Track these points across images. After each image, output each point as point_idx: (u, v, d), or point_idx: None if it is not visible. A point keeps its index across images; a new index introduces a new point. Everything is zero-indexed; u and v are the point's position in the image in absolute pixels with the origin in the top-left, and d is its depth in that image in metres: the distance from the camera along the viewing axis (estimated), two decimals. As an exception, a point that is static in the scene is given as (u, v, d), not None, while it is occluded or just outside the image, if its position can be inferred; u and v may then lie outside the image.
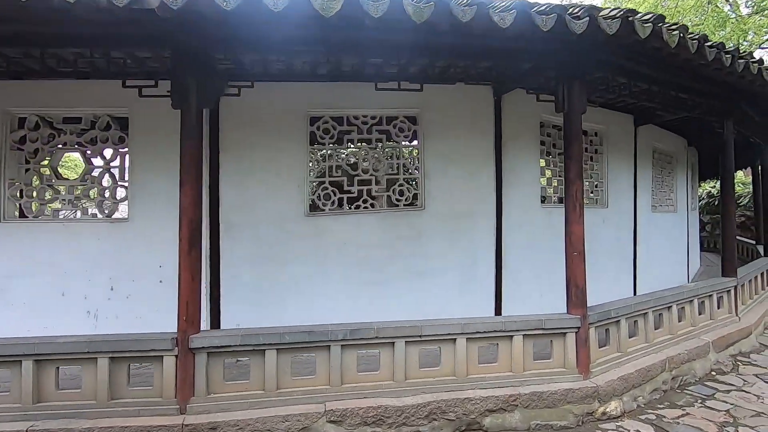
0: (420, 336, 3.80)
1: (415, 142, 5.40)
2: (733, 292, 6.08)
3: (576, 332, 4.10)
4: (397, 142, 5.37)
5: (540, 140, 6.10)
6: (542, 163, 6.23)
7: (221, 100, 4.89)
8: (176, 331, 3.46)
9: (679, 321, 5.26)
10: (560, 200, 6.19)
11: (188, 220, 3.49)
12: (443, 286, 5.37)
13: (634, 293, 7.28)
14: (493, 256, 5.53)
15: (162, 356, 3.46)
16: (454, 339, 3.87)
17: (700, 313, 5.63)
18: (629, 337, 4.63)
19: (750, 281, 6.87)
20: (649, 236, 7.75)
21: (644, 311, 4.74)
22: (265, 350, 3.57)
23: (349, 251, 5.14)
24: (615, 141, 7.02)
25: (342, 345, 3.67)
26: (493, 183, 5.56)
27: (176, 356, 3.45)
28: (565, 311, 4.19)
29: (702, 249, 15.37)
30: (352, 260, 5.14)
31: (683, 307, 5.33)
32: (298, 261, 5.04)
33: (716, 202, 18.39)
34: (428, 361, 3.90)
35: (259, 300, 4.93)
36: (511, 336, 3.98)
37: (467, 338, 3.89)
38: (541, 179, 6.16)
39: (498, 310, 5.55)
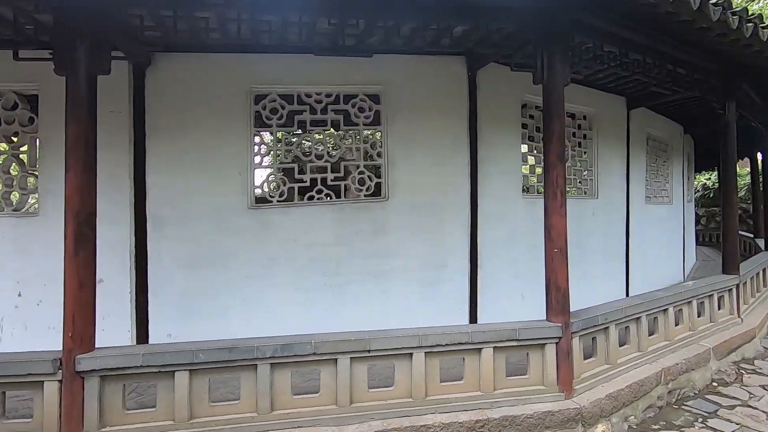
0: (368, 351, 3.15)
1: (378, 125, 4.73)
2: (735, 290, 5.49)
3: (557, 343, 3.47)
4: (356, 124, 4.70)
5: (521, 123, 5.45)
6: (524, 148, 5.59)
7: (147, 76, 4.20)
8: (61, 350, 2.79)
9: (677, 325, 4.66)
10: (544, 190, 5.54)
11: (74, 213, 2.81)
12: (409, 289, 4.73)
13: (627, 292, 6.69)
14: (467, 253, 4.89)
15: (42, 381, 2.79)
16: (410, 353, 3.23)
17: (699, 315, 5.03)
18: (620, 346, 4.02)
19: (752, 278, 6.28)
20: (642, 229, 7.14)
21: (637, 315, 4.13)
22: (174, 372, 2.91)
23: (300, 250, 4.48)
24: (606, 125, 6.39)
25: (272, 363, 3.01)
26: (467, 171, 4.91)
27: (60, 381, 2.79)
28: (545, 318, 3.56)
29: (697, 243, 14.89)
30: (304, 260, 4.48)
31: (681, 309, 4.73)
32: (241, 262, 4.37)
33: (711, 194, 17.90)
34: (380, 380, 3.26)
35: (197, 309, 4.27)
36: (480, 349, 3.34)
37: (426, 352, 3.25)
38: (523, 167, 5.52)
39: (473, 317, 4.92)
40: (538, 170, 5.76)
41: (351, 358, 3.12)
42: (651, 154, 7.69)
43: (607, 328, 3.86)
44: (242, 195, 4.38)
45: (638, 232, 7.00)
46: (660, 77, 4.81)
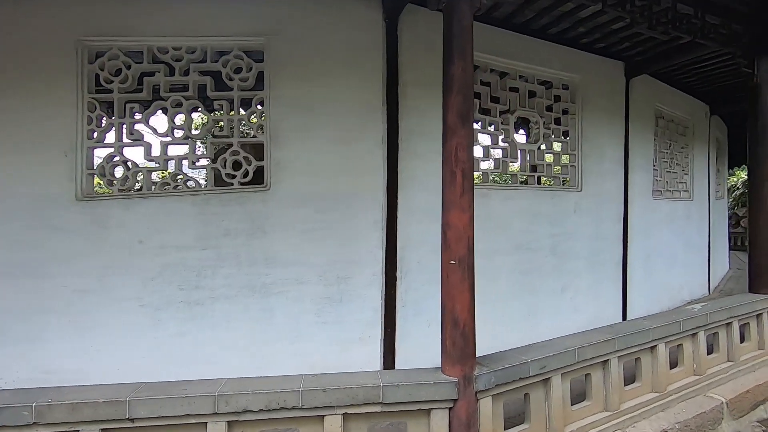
0: (131, 420, 2.00)
1: (260, 90, 3.56)
2: (765, 316, 3.99)
3: (450, 408, 2.20)
4: (230, 89, 3.55)
5: (469, 90, 4.14)
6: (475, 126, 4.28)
7: (-58, 24, 3.19)
8: None
9: (673, 368, 3.27)
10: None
11: None
12: (301, 308, 3.53)
13: (624, 313, 5.24)
14: (381, 261, 3.65)
15: None
16: (205, 424, 2.05)
17: (710, 353, 3.60)
18: (572, 405, 2.69)
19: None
20: (648, 231, 5.66)
21: (602, 358, 2.78)
22: None
23: (148, 255, 3.36)
24: (595, 98, 4.98)
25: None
26: (383, 150, 3.66)
27: None
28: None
29: (734, 248, 12.90)
30: (154, 269, 3.37)
31: (680, 345, 3.33)
32: (69, 270, 3.30)
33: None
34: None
35: (10, 332, 3.23)
36: (321, 417, 2.12)
37: (229, 422, 2.07)
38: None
39: (389, 347, 3.67)
40: (494, 153, 4.44)
41: (97, 432, 1.98)
42: (662, 137, 6.16)
43: (548, 380, 2.54)
44: (69, 182, 3.31)
45: (641, 234, 5.52)
46: (659, 20, 3.43)
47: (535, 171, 4.76)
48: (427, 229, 3.83)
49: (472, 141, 2.34)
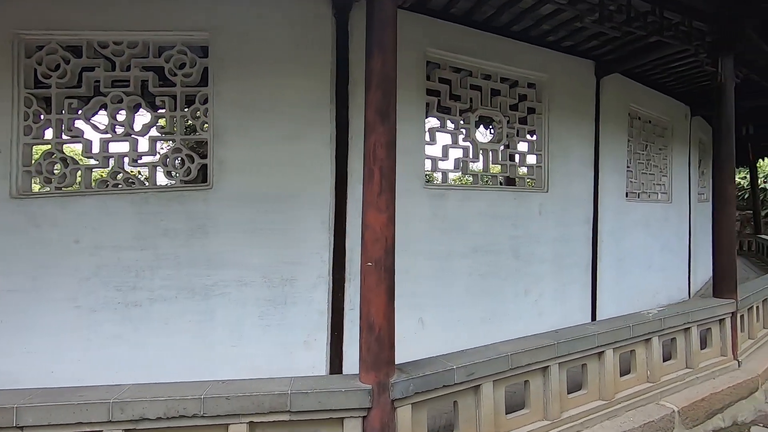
0: None
1: (204, 86, 3.46)
2: (729, 322, 3.88)
3: (364, 417, 2.10)
4: (173, 84, 3.46)
5: (426, 89, 4.05)
6: (432, 122, 4.20)
7: None
8: None
9: (624, 375, 3.15)
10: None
11: None
12: (243, 311, 3.43)
13: (593, 316, 5.12)
14: (328, 262, 3.54)
15: None
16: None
17: (668, 359, 3.49)
18: (508, 414, 2.58)
19: (762, 303, 4.60)
20: (620, 233, 5.55)
21: (539, 365, 2.67)
22: None
23: (84, 255, 3.26)
24: (563, 97, 4.87)
25: None
26: (331, 149, 3.56)
27: None
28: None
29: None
30: (90, 269, 3.27)
31: (633, 351, 3.22)
32: (1, 270, 3.20)
33: (746, 195, 15.54)
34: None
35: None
36: (226, 426, 2.02)
37: (125, 430, 1.96)
38: (430, 147, 4.11)
39: (336, 352, 3.56)
40: (454, 153, 4.34)
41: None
42: (638, 138, 6.05)
43: (478, 387, 2.43)
44: (3, 180, 3.22)
45: (613, 237, 5.40)
46: (605, 14, 3.33)
47: (500, 172, 4.65)
48: (379, 229, 3.73)
49: (392, 139, 2.24)
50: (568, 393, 2.85)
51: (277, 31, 3.52)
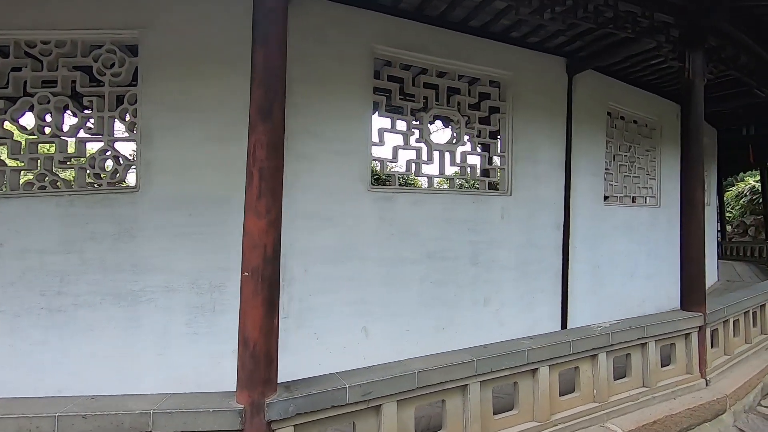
0: None
1: (134, 85, 3.37)
2: (696, 337, 3.58)
3: (235, 441, 1.94)
4: (101, 84, 3.37)
5: (373, 86, 3.88)
6: (382, 122, 4.03)
7: None
8: None
9: (566, 394, 2.91)
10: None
11: None
12: (171, 318, 3.31)
13: (564, 327, 4.86)
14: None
15: None
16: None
17: (622, 376, 3.23)
18: (416, 436, 2.38)
19: (744, 316, 4.27)
20: (597, 239, 5.26)
21: (455, 383, 2.47)
22: None
23: (8, 258, 3.19)
24: (530, 95, 4.64)
25: None
26: (264, 150, 3.41)
27: None
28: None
29: (736, 258, 12.17)
30: (14, 273, 3.20)
31: (576, 368, 2.98)
32: None
33: (761, 199, 14.82)
34: None
35: None
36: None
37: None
38: (377, 148, 3.94)
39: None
40: (408, 154, 4.15)
41: None
42: (620, 138, 5.76)
43: (379, 407, 2.24)
44: (-73, 181, 3.18)
45: (588, 243, 5.13)
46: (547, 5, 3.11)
47: (459, 174, 4.44)
48: (316, 234, 3.59)
49: (276, 140, 2.09)
50: (497, 413, 2.64)
51: (208, 28, 3.41)
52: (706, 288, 7.99)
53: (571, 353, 2.88)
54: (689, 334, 3.56)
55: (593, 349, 2.99)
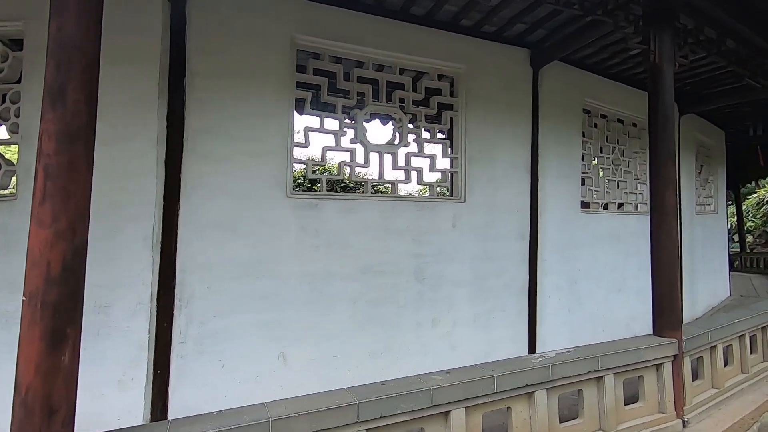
0: None
1: (19, 82, 3.04)
2: (669, 368, 2.99)
3: None
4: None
5: (296, 80, 3.47)
6: (309, 120, 3.60)
7: None
8: None
9: (491, 441, 2.38)
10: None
11: None
12: (48, 340, 2.90)
13: (533, 350, 4.29)
14: (150, 285, 2.96)
15: None
16: None
17: (574, 416, 2.67)
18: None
19: (739, 341, 3.63)
20: (572, 250, 4.70)
21: (330, 434, 1.97)
22: None
23: None
24: (487, 90, 4.17)
25: None
26: (158, 153, 3.01)
27: None
28: None
29: (762, 270, 11.17)
30: None
31: (509, 408, 2.44)
32: None
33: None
34: None
35: None
36: None
37: None
38: (302, 147, 3.51)
39: (161, 395, 2.96)
40: (335, 157, 3.70)
41: None
42: (600, 138, 5.19)
43: (213, 466, 1.76)
44: None
45: (561, 254, 4.57)
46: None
47: (406, 177, 3.97)
48: (222, 247, 3.16)
49: (72, 128, 1.64)
50: (395, 467, 2.13)
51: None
52: (715, 304, 7.26)
53: (496, 391, 2.35)
54: (661, 364, 2.97)
55: (528, 385, 2.45)
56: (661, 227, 3.10)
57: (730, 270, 8.89)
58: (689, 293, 6.35)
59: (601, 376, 2.71)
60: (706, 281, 7.01)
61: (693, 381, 3.23)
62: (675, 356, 2.99)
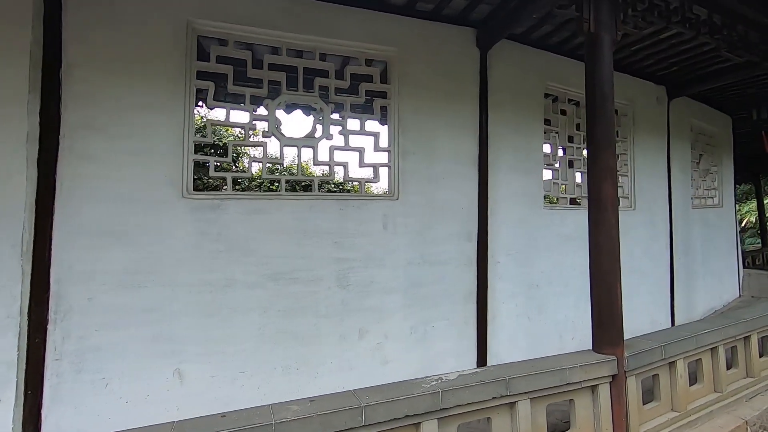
0: None
1: None
2: (607, 390, 2.53)
3: None
4: None
5: (197, 69, 3.16)
6: (215, 114, 3.28)
7: None
8: None
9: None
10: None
11: None
12: None
13: (481, 363, 3.86)
14: (19, 297, 2.69)
15: None
16: None
17: (479, 450, 2.26)
18: None
19: (710, 353, 3.11)
20: (533, 252, 4.24)
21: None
22: None
23: None
24: (426, 75, 3.78)
25: None
26: (28, 153, 2.73)
27: None
28: None
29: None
30: None
31: (386, 444, 2.05)
32: None
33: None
34: None
35: None
36: None
37: None
38: (195, 156, 3.18)
39: (31, 419, 2.68)
40: (250, 152, 3.36)
41: None
42: (568, 126, 4.70)
43: None
44: None
45: (517, 256, 4.11)
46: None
47: (330, 173, 3.61)
48: (105, 254, 2.88)
49: None
50: None
51: None
52: (719, 307, 6.61)
53: (364, 424, 1.96)
54: (596, 386, 2.51)
55: (408, 416, 2.05)
56: (599, 226, 2.65)
57: (744, 268, 8.15)
58: (684, 297, 5.75)
59: (514, 402, 2.29)
60: (708, 282, 6.37)
61: (646, 404, 2.75)
62: (614, 376, 2.53)
